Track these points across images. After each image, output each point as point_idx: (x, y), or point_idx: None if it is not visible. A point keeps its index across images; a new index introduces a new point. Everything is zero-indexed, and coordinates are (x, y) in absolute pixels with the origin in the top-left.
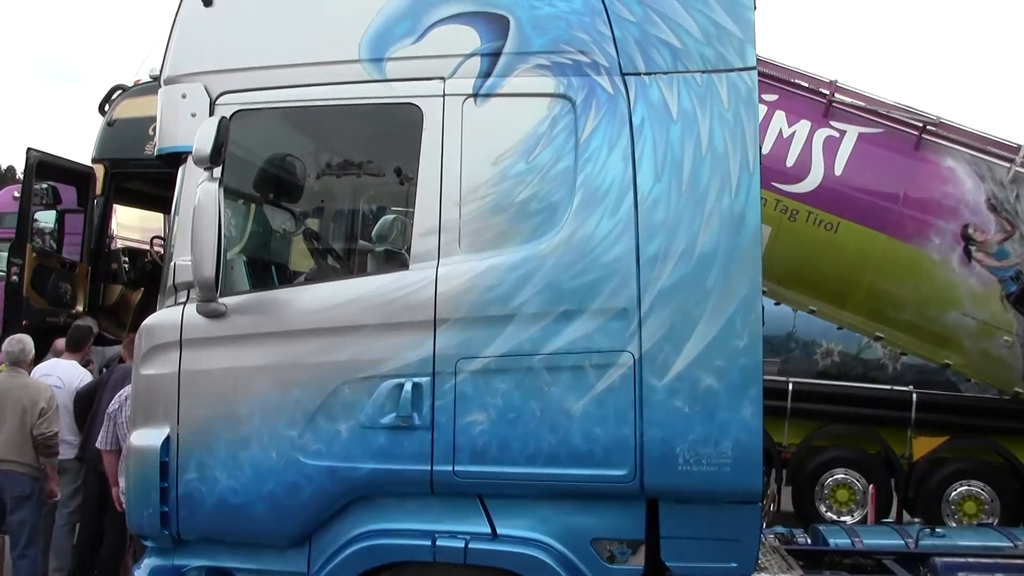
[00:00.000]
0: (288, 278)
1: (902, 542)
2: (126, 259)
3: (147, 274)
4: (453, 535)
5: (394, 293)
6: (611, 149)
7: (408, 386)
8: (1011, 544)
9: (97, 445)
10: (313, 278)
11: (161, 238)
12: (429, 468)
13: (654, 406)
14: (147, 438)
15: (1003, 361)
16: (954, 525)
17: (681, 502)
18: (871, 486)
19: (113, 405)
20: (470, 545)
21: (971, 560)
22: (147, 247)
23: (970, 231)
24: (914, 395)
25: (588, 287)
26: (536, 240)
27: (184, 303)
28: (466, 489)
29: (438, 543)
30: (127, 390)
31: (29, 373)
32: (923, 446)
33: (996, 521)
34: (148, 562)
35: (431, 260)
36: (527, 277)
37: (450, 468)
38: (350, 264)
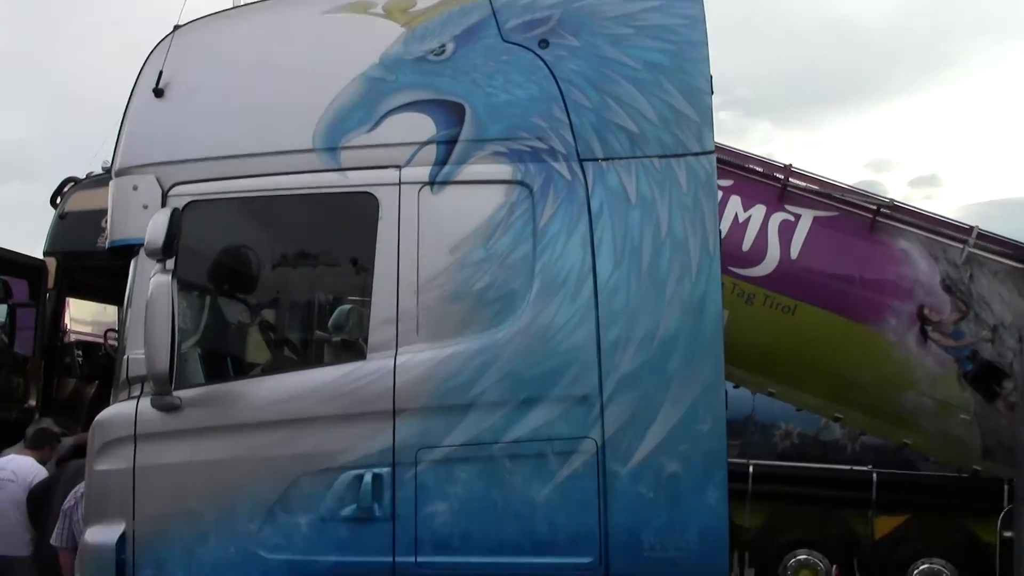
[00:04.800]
0: (244, 370)
1: None
2: (80, 352)
3: (101, 368)
4: None
5: (352, 384)
6: (569, 236)
7: (368, 477)
8: None
9: (52, 543)
10: (269, 369)
11: (115, 331)
12: (391, 560)
13: (618, 493)
14: (102, 535)
15: (961, 440)
16: None
17: None
18: (834, 567)
19: (68, 502)
20: None
21: None
22: (101, 340)
23: (926, 312)
24: (874, 475)
25: (548, 375)
26: (495, 328)
27: (138, 397)
28: None
29: None
30: (82, 486)
31: None
32: (884, 525)
33: None
34: None
35: (389, 350)
36: (487, 366)
37: (412, 559)
38: (307, 355)
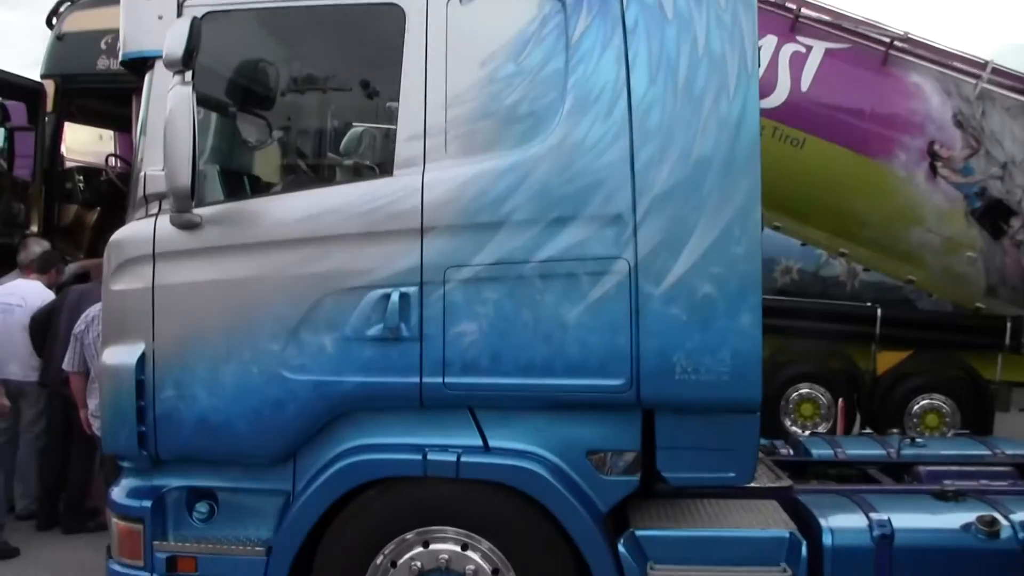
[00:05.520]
0: (264, 188)
1: (884, 452)
2: (80, 178)
3: (103, 194)
4: (444, 448)
5: (378, 201)
6: (603, 51)
7: (395, 296)
8: (990, 452)
9: (64, 367)
10: (291, 188)
11: (116, 156)
12: (418, 380)
13: (650, 314)
14: (121, 356)
15: (965, 277)
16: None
17: (678, 412)
18: (840, 400)
19: (79, 326)
20: (462, 459)
21: (953, 468)
22: (101, 166)
23: (936, 147)
24: (878, 310)
25: (581, 193)
26: (526, 145)
27: (156, 215)
28: (456, 402)
29: (429, 457)
30: (94, 310)
31: None
32: (887, 361)
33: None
34: (126, 483)
35: (416, 166)
36: (517, 183)
37: (440, 380)
38: (324, 175)
